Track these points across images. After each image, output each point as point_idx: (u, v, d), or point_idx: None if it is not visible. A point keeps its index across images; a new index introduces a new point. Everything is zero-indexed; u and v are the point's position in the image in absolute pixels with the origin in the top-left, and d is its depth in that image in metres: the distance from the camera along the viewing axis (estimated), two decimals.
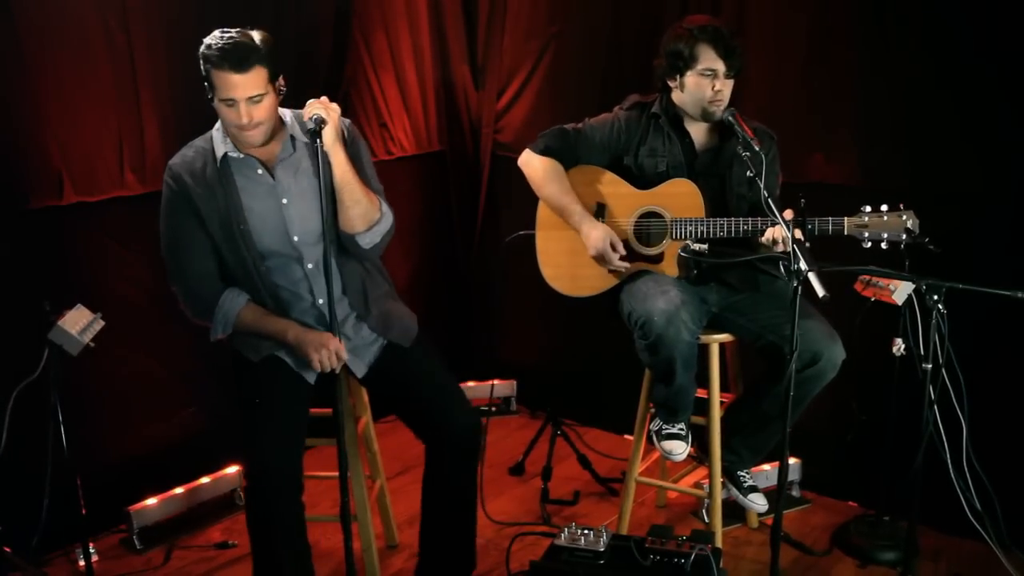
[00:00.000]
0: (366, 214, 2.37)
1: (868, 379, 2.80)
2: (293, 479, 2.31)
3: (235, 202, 2.36)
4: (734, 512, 3.03)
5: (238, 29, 2.24)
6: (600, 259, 2.67)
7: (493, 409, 3.97)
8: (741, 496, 2.83)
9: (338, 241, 2.41)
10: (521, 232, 2.89)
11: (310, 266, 2.43)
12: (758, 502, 2.82)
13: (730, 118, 2.53)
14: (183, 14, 3.01)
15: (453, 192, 4.17)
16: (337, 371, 2.33)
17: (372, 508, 2.75)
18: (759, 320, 2.64)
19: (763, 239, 2.46)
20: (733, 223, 2.53)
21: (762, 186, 2.29)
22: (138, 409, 3.09)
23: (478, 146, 4.11)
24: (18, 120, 2.72)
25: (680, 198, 2.62)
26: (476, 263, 4.19)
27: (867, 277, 2.68)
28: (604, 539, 2.37)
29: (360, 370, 2.53)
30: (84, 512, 2.47)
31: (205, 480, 3.14)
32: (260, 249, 2.39)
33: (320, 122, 2.18)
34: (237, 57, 2.18)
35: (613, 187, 2.72)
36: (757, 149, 2.38)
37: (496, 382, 4.00)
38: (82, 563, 2.54)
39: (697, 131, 2.69)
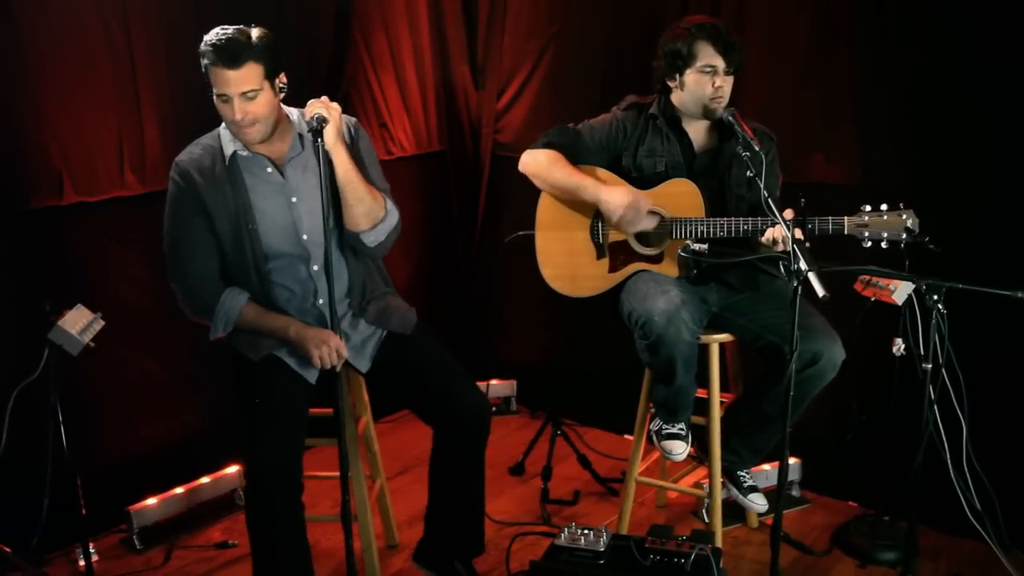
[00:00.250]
0: (370, 212, 2.37)
1: (868, 379, 2.80)
2: (293, 479, 2.31)
3: (244, 201, 2.37)
4: (734, 512, 3.03)
5: (236, 26, 2.25)
6: (628, 216, 2.58)
7: (493, 409, 3.96)
8: (741, 496, 2.83)
9: (343, 240, 2.42)
10: (521, 232, 2.89)
11: (315, 267, 2.44)
12: (758, 502, 2.83)
13: (730, 118, 2.53)
14: (183, 14, 3.01)
15: (453, 192, 4.17)
16: (338, 368, 2.33)
17: (372, 508, 2.75)
18: (759, 320, 2.64)
19: (763, 239, 2.46)
20: (733, 223, 2.53)
21: (762, 186, 2.29)
22: (138, 409, 3.09)
23: (478, 146, 4.11)
24: (18, 120, 2.72)
25: (680, 198, 2.62)
26: (476, 263, 4.19)
27: (867, 277, 2.68)
28: (604, 539, 2.37)
29: (364, 365, 2.53)
30: (84, 512, 2.47)
31: (205, 480, 3.14)
32: (266, 249, 2.39)
33: (322, 121, 2.18)
34: (230, 53, 2.19)
35: (608, 183, 2.71)
36: (757, 149, 2.38)
37: (496, 382, 4.00)
38: (82, 563, 2.54)
39: (696, 132, 2.69)
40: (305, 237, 2.41)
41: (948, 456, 2.55)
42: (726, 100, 2.59)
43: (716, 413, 2.69)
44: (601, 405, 3.81)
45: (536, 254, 2.83)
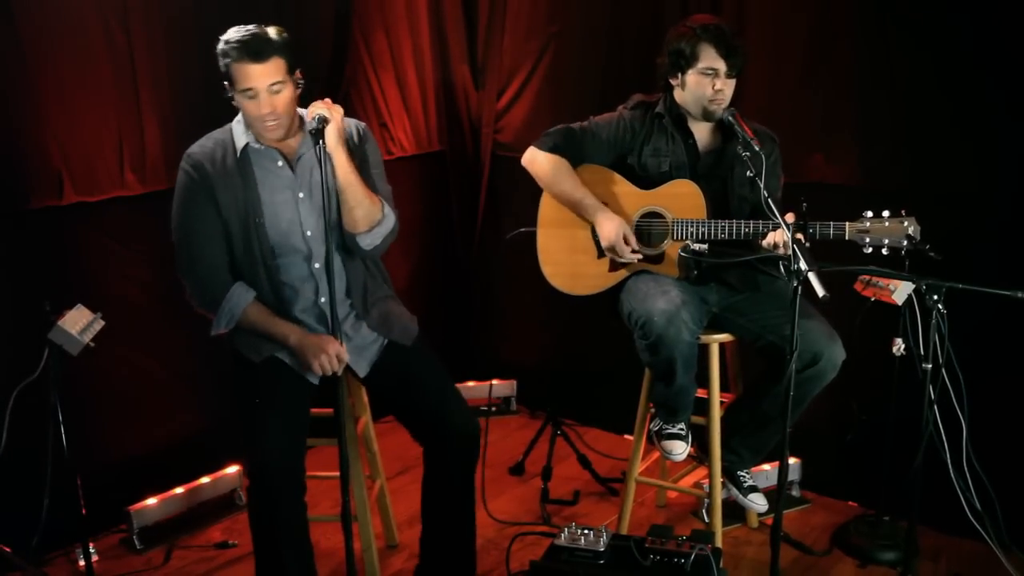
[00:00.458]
0: (368, 215, 2.38)
1: (868, 379, 2.80)
2: (295, 479, 2.32)
3: (253, 194, 2.38)
4: (734, 512, 3.03)
5: (254, 24, 2.29)
6: (612, 250, 2.66)
7: (493, 409, 3.97)
8: (741, 496, 2.83)
9: (343, 240, 2.42)
10: (522, 229, 2.89)
11: (317, 265, 2.45)
12: (758, 502, 2.82)
13: (730, 118, 2.54)
14: (183, 14, 3.01)
15: (453, 192, 4.17)
16: (339, 374, 2.33)
17: (372, 508, 2.75)
18: (759, 320, 2.64)
19: (764, 243, 2.46)
20: (734, 225, 2.53)
21: (762, 186, 2.29)
22: (138, 409, 3.09)
23: (478, 146, 4.11)
24: (18, 120, 2.72)
25: (682, 199, 2.62)
26: (476, 263, 4.19)
27: (867, 277, 2.68)
28: (604, 539, 2.37)
29: (362, 369, 2.53)
30: (84, 512, 2.47)
31: (205, 480, 3.14)
32: (272, 243, 2.40)
33: (323, 121, 2.19)
34: (256, 48, 2.23)
35: (615, 186, 2.72)
36: (757, 149, 2.38)
37: (496, 382, 4.00)
38: (82, 563, 2.54)
39: (701, 132, 2.69)
40: (308, 233, 2.42)
41: (948, 456, 2.55)
42: (726, 103, 2.59)
43: (716, 413, 2.69)
44: (601, 405, 3.81)
45: (537, 251, 2.83)
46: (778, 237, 2.41)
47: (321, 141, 2.17)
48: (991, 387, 2.68)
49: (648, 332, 2.51)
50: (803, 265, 2.08)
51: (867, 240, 2.38)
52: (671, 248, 2.65)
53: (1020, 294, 2.25)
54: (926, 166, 2.92)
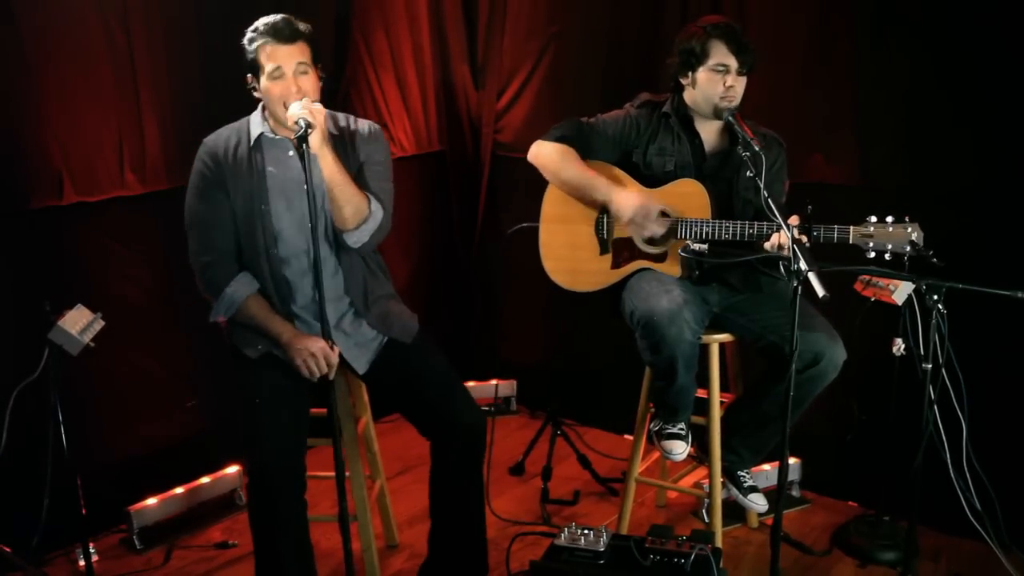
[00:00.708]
0: (357, 212, 2.39)
1: (868, 379, 2.80)
2: (296, 477, 2.32)
3: (261, 181, 2.41)
4: (734, 512, 3.03)
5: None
6: (637, 221, 2.61)
7: (493, 409, 3.97)
8: (741, 496, 2.83)
9: (341, 238, 2.43)
10: (524, 224, 2.89)
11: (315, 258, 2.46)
12: (758, 502, 2.82)
13: (730, 118, 2.54)
14: (183, 14, 3.02)
15: (453, 192, 4.17)
16: (331, 377, 2.32)
17: (372, 508, 2.75)
18: (760, 320, 2.64)
19: (766, 246, 2.46)
20: (738, 226, 2.53)
21: (761, 186, 2.29)
22: (138, 409, 3.09)
23: (478, 146, 4.11)
24: (18, 120, 2.72)
25: (687, 198, 2.62)
26: (476, 263, 4.19)
27: (867, 277, 2.68)
28: (604, 539, 2.37)
29: (361, 366, 2.54)
30: (84, 512, 2.47)
31: (205, 480, 3.14)
32: (275, 231, 2.42)
33: (308, 127, 2.18)
34: (285, 30, 2.32)
35: (620, 184, 2.71)
36: (757, 149, 2.38)
37: (496, 382, 4.00)
38: (82, 563, 2.54)
39: (708, 133, 2.69)
40: (310, 225, 2.42)
41: (948, 456, 2.55)
42: (737, 100, 2.59)
43: (716, 413, 2.69)
44: (601, 405, 3.81)
45: (539, 246, 2.82)
46: (782, 239, 2.41)
47: (305, 145, 2.17)
48: (991, 387, 2.68)
49: (650, 331, 2.51)
50: (803, 265, 2.07)
51: (870, 245, 2.38)
52: (675, 247, 2.65)
53: (1020, 294, 2.24)
54: (926, 166, 2.92)
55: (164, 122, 3.03)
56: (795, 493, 3.25)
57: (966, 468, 2.56)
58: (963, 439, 2.52)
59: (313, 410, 2.49)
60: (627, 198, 2.60)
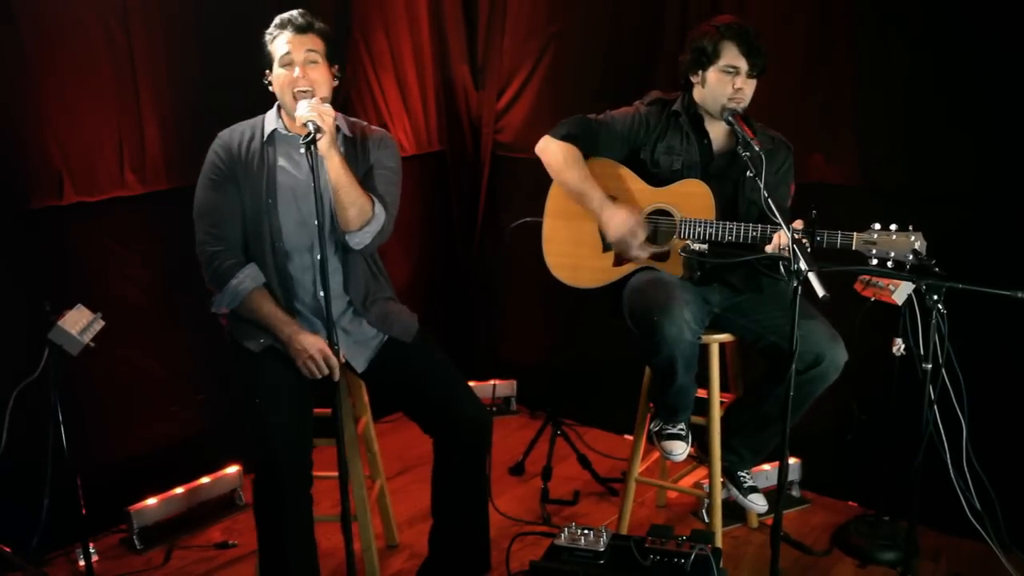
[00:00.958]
0: (361, 214, 2.40)
1: (868, 379, 2.80)
2: (302, 471, 2.32)
3: (270, 175, 2.43)
4: (734, 512, 3.03)
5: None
6: (620, 244, 2.65)
7: (493, 409, 3.97)
8: (741, 496, 2.83)
9: (339, 238, 2.44)
10: (527, 219, 2.89)
11: (319, 257, 2.46)
12: (758, 502, 2.82)
13: (729, 118, 2.54)
14: (183, 14, 3.01)
15: (453, 192, 4.17)
16: (335, 378, 2.32)
17: (372, 508, 2.75)
18: (761, 321, 2.64)
19: (768, 248, 2.46)
20: (742, 228, 2.53)
21: (761, 185, 2.29)
22: (138, 409, 3.09)
23: (478, 146, 4.11)
24: (18, 120, 2.71)
25: (692, 198, 2.62)
26: (476, 263, 4.19)
27: (867, 277, 2.68)
28: (604, 539, 2.37)
29: (360, 365, 2.54)
30: (84, 512, 2.47)
31: (205, 480, 3.14)
32: (280, 224, 2.44)
33: (317, 131, 2.18)
34: (299, 22, 2.38)
35: (625, 182, 2.71)
36: (757, 149, 2.38)
37: (496, 382, 4.00)
38: (82, 563, 2.54)
39: (717, 133, 2.69)
40: (316, 222, 2.42)
41: (948, 456, 2.55)
42: (746, 103, 2.59)
43: (716, 413, 2.69)
44: (601, 405, 3.81)
45: (541, 241, 2.83)
46: (781, 240, 2.41)
47: (313, 147, 2.17)
48: (991, 387, 2.68)
49: (650, 331, 2.51)
50: (803, 265, 2.07)
51: (873, 251, 2.38)
52: (677, 247, 2.65)
53: (1020, 294, 2.25)
54: (925, 166, 2.92)
55: (164, 122, 3.03)
56: (795, 493, 3.25)
57: (966, 468, 2.56)
58: (963, 439, 2.52)
59: (316, 410, 2.49)
60: (614, 220, 2.63)
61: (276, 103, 2.48)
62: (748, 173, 2.41)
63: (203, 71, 3.08)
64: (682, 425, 2.72)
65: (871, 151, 3.02)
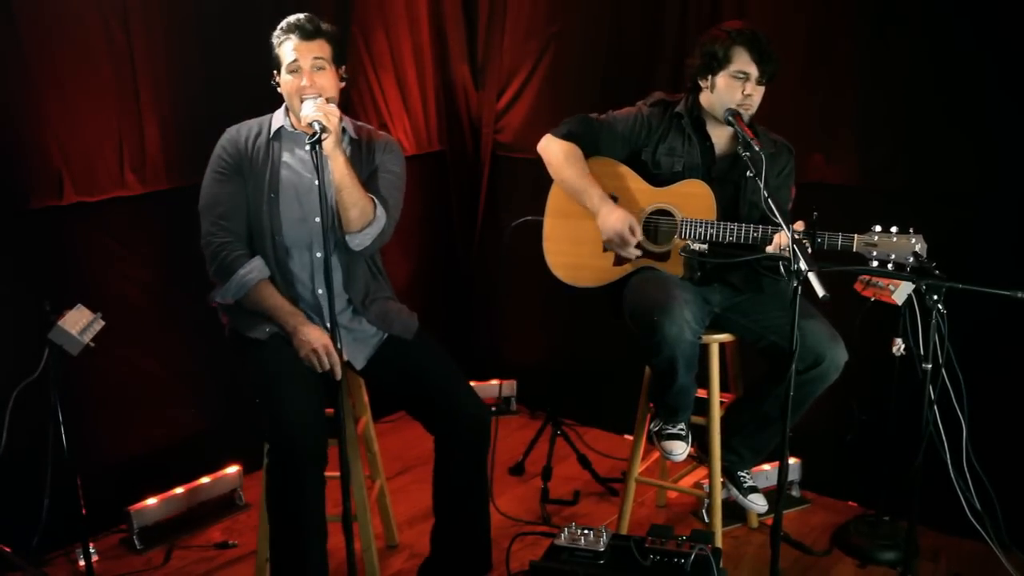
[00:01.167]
0: (363, 215, 2.41)
1: (868, 379, 2.80)
2: (319, 451, 2.30)
3: (275, 170, 2.46)
4: (734, 512, 3.03)
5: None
6: (615, 242, 2.65)
7: (493, 409, 3.96)
8: (741, 496, 2.83)
9: (343, 240, 2.45)
10: (528, 218, 2.89)
11: (318, 255, 2.49)
12: (758, 502, 2.82)
13: (730, 118, 2.54)
14: (183, 14, 3.01)
15: (453, 192, 4.17)
16: (338, 376, 2.32)
17: (372, 508, 2.75)
18: (762, 321, 2.64)
19: (769, 249, 2.46)
20: (742, 228, 2.53)
21: (761, 185, 2.29)
22: (138, 409, 3.09)
23: (478, 146, 4.11)
24: (18, 120, 2.71)
25: (692, 199, 2.62)
26: (476, 263, 4.19)
27: (867, 277, 2.68)
28: (604, 539, 2.37)
29: (359, 362, 2.55)
30: (84, 512, 2.47)
31: (205, 480, 3.14)
32: (282, 219, 2.45)
33: (323, 131, 2.20)
34: (308, 29, 2.39)
35: (627, 181, 2.71)
36: (758, 149, 2.38)
37: (496, 382, 4.00)
38: (82, 563, 2.54)
39: (719, 136, 2.69)
40: (317, 220, 2.45)
41: (948, 456, 2.55)
42: (754, 109, 2.59)
43: (716, 413, 2.69)
44: (601, 405, 3.81)
45: (542, 240, 2.83)
46: (781, 241, 2.41)
47: (319, 147, 2.18)
48: (991, 387, 2.68)
49: (650, 331, 2.51)
50: (803, 265, 2.07)
51: (874, 253, 2.38)
52: (678, 247, 2.65)
53: (1020, 294, 2.25)
54: (926, 166, 2.92)
55: (164, 122, 3.03)
56: (795, 493, 3.25)
57: (966, 468, 2.56)
58: (963, 439, 2.52)
59: None
60: (610, 218, 2.63)
61: (284, 104, 2.50)
62: (748, 173, 2.41)
63: (203, 71, 3.08)
64: (682, 425, 2.72)
65: (871, 151, 3.02)
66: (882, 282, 2.63)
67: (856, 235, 2.41)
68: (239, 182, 2.46)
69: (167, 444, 3.17)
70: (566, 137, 2.72)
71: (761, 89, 2.59)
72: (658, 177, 2.69)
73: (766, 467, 3.15)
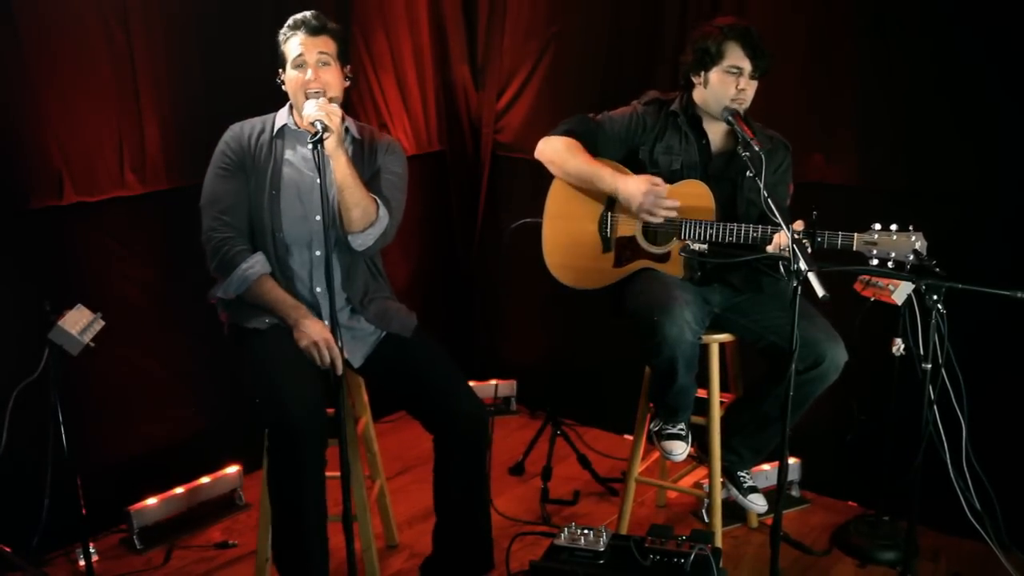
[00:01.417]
0: (365, 215, 2.42)
1: (868, 379, 2.80)
2: (318, 433, 2.30)
3: (276, 167, 2.47)
4: (734, 512, 3.03)
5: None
6: (647, 205, 2.59)
7: (493, 409, 3.97)
8: (741, 496, 2.83)
9: (343, 239, 2.45)
10: (527, 220, 2.89)
11: (317, 253, 2.50)
12: (758, 502, 2.83)
13: (729, 117, 2.54)
14: (183, 14, 3.01)
15: (453, 192, 4.17)
16: (339, 371, 2.32)
17: (372, 508, 2.75)
18: (762, 321, 2.64)
19: (769, 249, 2.46)
20: (742, 228, 2.53)
21: (761, 186, 2.29)
22: (138, 409, 3.09)
23: (478, 146, 4.11)
24: (18, 120, 2.71)
25: (692, 199, 2.62)
26: (476, 263, 4.19)
27: (867, 277, 2.68)
28: (604, 539, 2.37)
29: (356, 360, 2.55)
30: (84, 512, 2.47)
31: (205, 480, 3.14)
32: (282, 217, 2.46)
33: (325, 130, 2.20)
34: (312, 24, 2.41)
35: (625, 172, 2.71)
36: (757, 149, 2.38)
37: (496, 382, 4.00)
38: (82, 563, 2.54)
39: (715, 133, 2.69)
40: (317, 218, 2.46)
41: (948, 456, 2.55)
42: (747, 103, 2.59)
43: (716, 413, 2.69)
44: (601, 405, 3.81)
45: (541, 243, 2.83)
46: (781, 240, 2.41)
47: (321, 146, 2.18)
48: (991, 387, 2.68)
49: (650, 332, 2.51)
50: (803, 265, 2.07)
51: (874, 252, 2.38)
52: (677, 248, 2.65)
53: (1020, 294, 2.25)
54: (926, 166, 2.92)
55: (164, 122, 3.03)
56: (795, 493, 3.25)
57: (965, 468, 2.56)
58: (963, 439, 2.52)
59: None
60: (634, 184, 2.60)
61: (288, 101, 2.50)
62: (748, 173, 2.41)
63: (203, 71, 3.09)
64: (682, 425, 2.72)
65: (871, 151, 3.02)
66: (882, 282, 2.63)
67: (856, 233, 2.41)
68: (241, 179, 2.47)
69: (167, 444, 3.17)
70: (566, 134, 2.72)
71: (754, 84, 2.59)
72: (656, 176, 2.69)
73: (766, 467, 3.15)
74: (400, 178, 2.58)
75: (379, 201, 2.45)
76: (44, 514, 2.44)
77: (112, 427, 3.02)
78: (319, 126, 2.20)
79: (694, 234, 2.60)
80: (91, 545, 2.68)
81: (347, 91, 2.51)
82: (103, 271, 2.96)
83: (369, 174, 2.51)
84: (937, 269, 2.33)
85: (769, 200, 2.26)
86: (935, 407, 2.46)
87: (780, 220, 2.22)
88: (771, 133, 2.69)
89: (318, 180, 2.39)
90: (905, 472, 2.58)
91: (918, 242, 2.35)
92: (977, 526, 2.65)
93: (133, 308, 3.02)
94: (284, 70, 2.44)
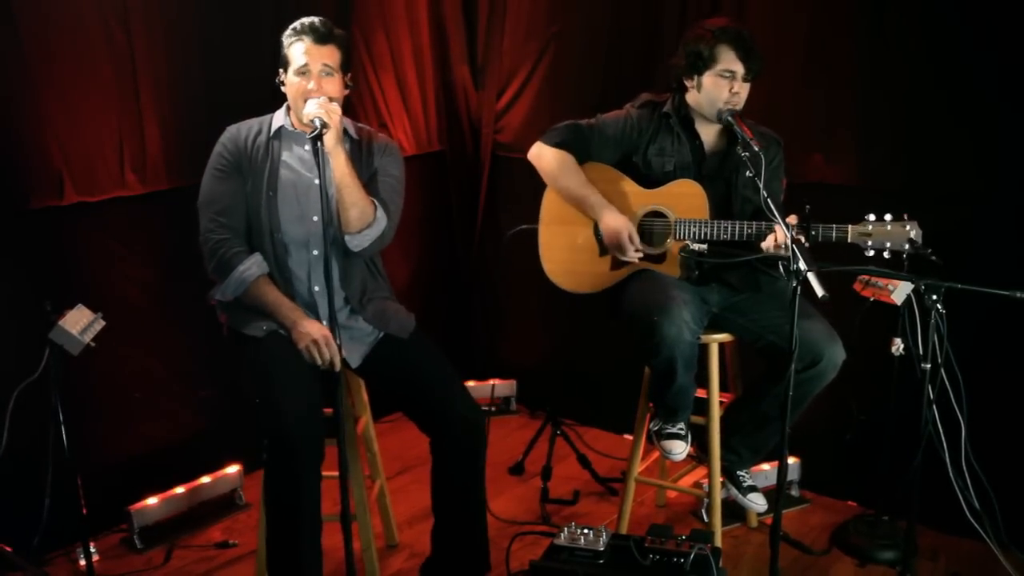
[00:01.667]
0: (362, 216, 2.42)
1: (868, 379, 2.80)
2: (315, 442, 2.31)
3: (273, 168, 2.47)
4: (733, 512, 3.03)
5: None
6: (615, 248, 2.67)
7: (493, 409, 3.97)
8: (740, 496, 2.84)
9: (341, 240, 2.45)
10: (524, 226, 2.90)
11: (315, 252, 2.50)
12: (757, 502, 2.83)
13: (729, 118, 2.54)
14: (183, 14, 3.01)
15: (453, 192, 4.17)
16: (337, 368, 2.33)
17: (372, 508, 2.75)
18: (760, 320, 2.64)
19: (763, 245, 2.46)
20: (737, 226, 2.54)
21: (761, 185, 2.29)
22: (138, 409, 3.09)
23: (478, 146, 4.11)
24: (18, 120, 2.72)
25: (685, 199, 2.62)
26: (476, 263, 4.19)
27: (866, 277, 2.68)
28: (604, 539, 2.37)
29: (354, 360, 2.56)
30: (85, 512, 2.47)
31: (205, 480, 3.14)
32: (280, 217, 2.46)
33: (324, 126, 2.21)
34: (320, 32, 2.40)
35: (619, 185, 2.72)
36: (757, 149, 2.39)
37: (496, 382, 4.00)
38: (83, 563, 2.55)
39: (708, 134, 2.69)
40: (315, 218, 2.46)
41: (947, 456, 2.55)
42: (741, 106, 2.59)
43: (716, 413, 2.69)
44: (601, 405, 3.81)
45: (538, 248, 2.83)
46: (779, 237, 2.41)
47: (320, 144, 2.18)
48: (991, 387, 2.68)
49: (649, 332, 2.51)
50: (802, 265, 2.08)
51: (869, 243, 2.39)
52: (673, 248, 2.65)
53: (1020, 294, 2.25)
54: (926, 166, 2.92)
55: (164, 122, 3.03)
56: (794, 493, 3.25)
57: (965, 468, 2.56)
58: (962, 439, 2.53)
59: None
60: (611, 223, 2.64)
61: (286, 102, 2.50)
62: (748, 173, 2.41)
63: (203, 71, 3.09)
64: (681, 425, 2.73)
65: (871, 151, 3.02)
66: (881, 282, 2.63)
67: (850, 225, 2.41)
68: (238, 180, 2.47)
69: (167, 444, 3.17)
70: (558, 146, 2.72)
71: (747, 86, 2.60)
72: (649, 178, 2.69)
73: (765, 467, 3.15)
74: (398, 180, 2.58)
75: (377, 204, 2.46)
76: (45, 514, 2.44)
77: (112, 427, 3.02)
78: (318, 123, 2.21)
79: (688, 233, 2.60)
80: (92, 545, 2.68)
81: (346, 96, 2.51)
82: (103, 271, 2.96)
83: (367, 175, 2.51)
84: (933, 258, 2.33)
85: (769, 200, 2.26)
86: (934, 407, 2.47)
87: (777, 218, 2.23)
88: (763, 130, 2.68)
89: (316, 180, 2.41)
90: (904, 472, 2.58)
91: (912, 231, 2.36)
92: (976, 526, 2.65)
93: (134, 308, 3.02)
94: (285, 73, 2.44)
